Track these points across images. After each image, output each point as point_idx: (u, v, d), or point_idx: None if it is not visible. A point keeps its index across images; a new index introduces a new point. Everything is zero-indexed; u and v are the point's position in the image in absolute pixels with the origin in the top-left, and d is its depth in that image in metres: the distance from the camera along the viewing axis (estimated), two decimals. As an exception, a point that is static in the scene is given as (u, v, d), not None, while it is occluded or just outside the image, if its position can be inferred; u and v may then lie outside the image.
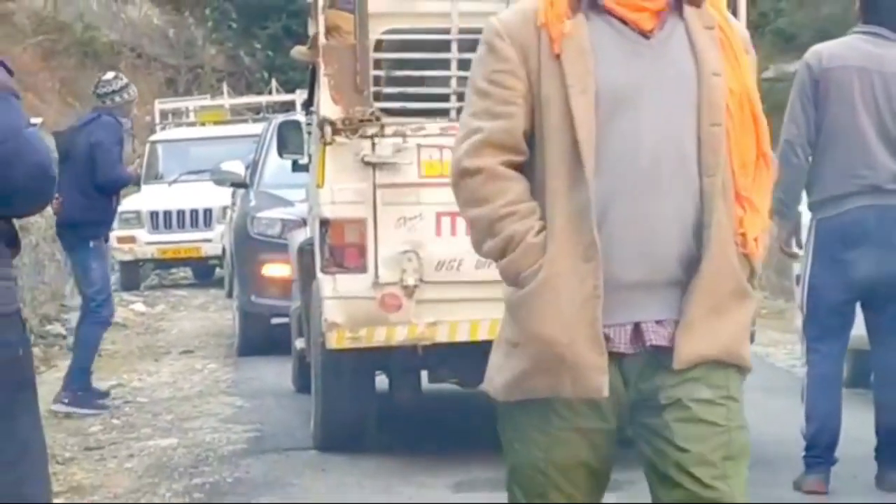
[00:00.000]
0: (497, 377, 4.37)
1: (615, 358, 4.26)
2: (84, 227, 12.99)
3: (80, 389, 12.97)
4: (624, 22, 4.29)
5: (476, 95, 4.37)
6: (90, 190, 12.86)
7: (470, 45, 10.79)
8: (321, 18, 10.03)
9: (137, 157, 14.26)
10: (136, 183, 13.78)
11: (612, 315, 4.23)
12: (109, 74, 14.13)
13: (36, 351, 15.87)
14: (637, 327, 4.28)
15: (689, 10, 4.33)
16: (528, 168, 4.31)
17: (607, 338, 4.24)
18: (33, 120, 6.77)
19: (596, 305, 4.18)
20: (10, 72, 5.95)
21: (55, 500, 9.44)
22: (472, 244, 4.43)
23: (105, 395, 13.35)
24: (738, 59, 4.37)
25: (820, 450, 8.65)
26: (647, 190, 4.23)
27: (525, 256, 4.24)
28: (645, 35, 4.29)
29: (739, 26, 4.49)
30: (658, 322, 4.29)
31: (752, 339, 4.88)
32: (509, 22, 4.35)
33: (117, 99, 13.34)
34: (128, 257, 24.59)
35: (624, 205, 4.23)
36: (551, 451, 4.32)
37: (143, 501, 9.36)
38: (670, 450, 4.28)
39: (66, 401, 12.76)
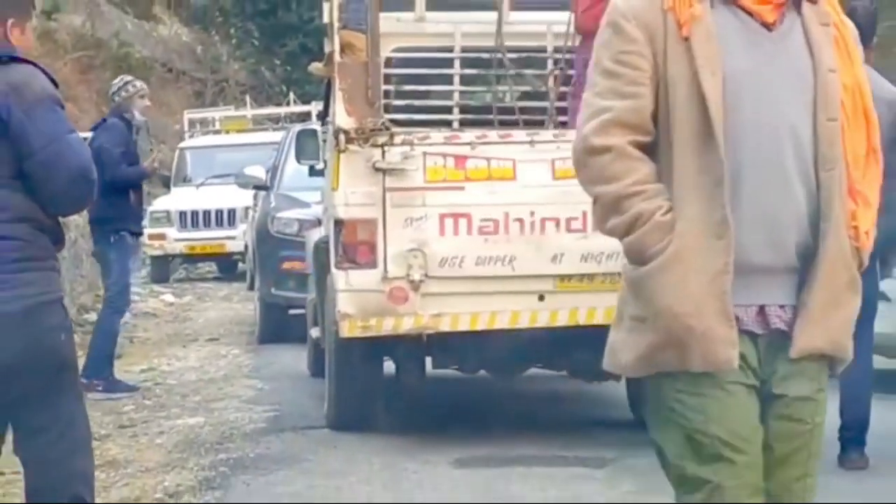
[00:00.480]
0: (622, 354, 4.08)
1: (748, 336, 3.99)
2: (106, 224, 12.94)
3: (109, 375, 12.93)
4: (748, 13, 4.04)
5: (601, 76, 4.06)
6: (106, 189, 12.72)
7: (471, 62, 10.86)
8: (336, 38, 10.03)
9: (157, 152, 14.26)
10: (148, 177, 13.67)
11: (739, 296, 3.95)
12: (116, 79, 14.18)
13: (75, 338, 15.86)
14: (762, 310, 4.01)
15: (806, 6, 4.08)
16: (651, 149, 4.03)
17: (736, 317, 3.96)
18: (82, 135, 6.76)
19: (726, 281, 3.91)
20: (55, 83, 5.94)
21: (93, 474, 9.44)
22: (594, 220, 4.11)
23: (129, 387, 13.22)
24: (850, 56, 4.13)
25: None
26: (770, 178, 3.97)
27: (652, 234, 3.94)
28: (767, 27, 4.04)
29: (851, 24, 4.23)
30: (781, 307, 4.02)
31: None
32: (634, 4, 4.05)
33: (123, 94, 13.23)
34: (158, 252, 24.64)
35: (749, 190, 3.96)
36: (708, 410, 3.98)
37: (172, 474, 9.35)
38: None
39: (100, 388, 12.68)
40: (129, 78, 13.83)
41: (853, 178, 4.09)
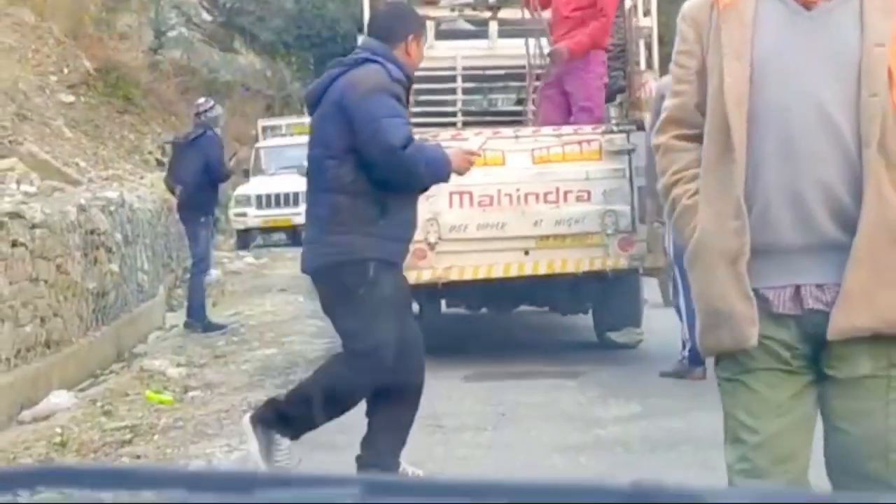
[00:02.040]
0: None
1: (782, 318, 3.13)
2: (198, 208, 12.94)
3: (204, 318, 12.96)
4: None
5: (671, 78, 3.40)
6: (203, 182, 12.82)
7: (469, 78, 10.83)
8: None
9: (233, 155, 14.25)
10: (228, 176, 13.83)
11: (774, 278, 3.10)
12: (202, 99, 14.13)
13: (179, 292, 15.88)
14: (797, 290, 3.09)
15: None
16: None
17: (767, 299, 3.11)
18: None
19: (742, 262, 3.08)
20: (408, 78, 5.73)
21: (193, 393, 9.46)
22: None
23: (221, 326, 13.19)
24: None
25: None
26: (795, 156, 3.06)
27: (681, 217, 3.24)
28: (807, 7, 3.13)
29: None
30: (819, 286, 3.08)
31: None
32: (693, 5, 3.28)
33: (210, 114, 13.21)
34: (241, 227, 24.72)
35: (775, 171, 3.07)
36: (736, 394, 3.21)
37: (254, 392, 9.36)
38: (829, 429, 3.17)
39: (199, 329, 12.74)
40: (213, 102, 13.79)
41: None
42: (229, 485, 0.81)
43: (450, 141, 9.65)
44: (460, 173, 6.02)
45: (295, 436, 5.81)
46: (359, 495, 0.76)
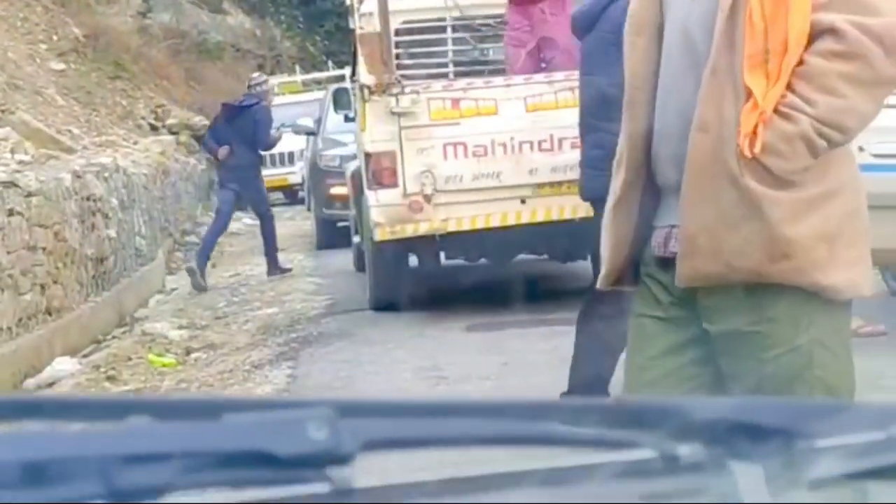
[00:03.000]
0: None
1: (662, 262, 2.84)
2: (250, 167, 14.01)
3: (274, 261, 14.13)
4: None
5: None
6: (254, 145, 13.95)
7: (460, 28, 10.79)
8: (357, 16, 9.97)
9: (279, 126, 15.20)
10: (273, 145, 14.94)
11: (660, 219, 2.84)
12: (255, 73, 15.66)
13: (178, 255, 15.88)
14: (671, 231, 2.80)
15: None
16: None
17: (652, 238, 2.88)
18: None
19: (610, 208, 2.91)
20: None
21: (196, 355, 9.47)
22: None
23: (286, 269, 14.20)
24: None
25: None
26: (668, 93, 2.79)
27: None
28: None
29: None
30: None
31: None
32: None
33: (261, 88, 14.40)
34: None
35: (659, 113, 2.81)
36: (630, 339, 2.98)
37: (256, 351, 9.37)
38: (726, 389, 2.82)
39: (278, 272, 13.97)
40: (265, 77, 14.84)
41: (746, 77, 2.66)
42: (196, 411, 0.81)
43: (442, 91, 9.65)
44: None
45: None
46: (332, 415, 0.76)
